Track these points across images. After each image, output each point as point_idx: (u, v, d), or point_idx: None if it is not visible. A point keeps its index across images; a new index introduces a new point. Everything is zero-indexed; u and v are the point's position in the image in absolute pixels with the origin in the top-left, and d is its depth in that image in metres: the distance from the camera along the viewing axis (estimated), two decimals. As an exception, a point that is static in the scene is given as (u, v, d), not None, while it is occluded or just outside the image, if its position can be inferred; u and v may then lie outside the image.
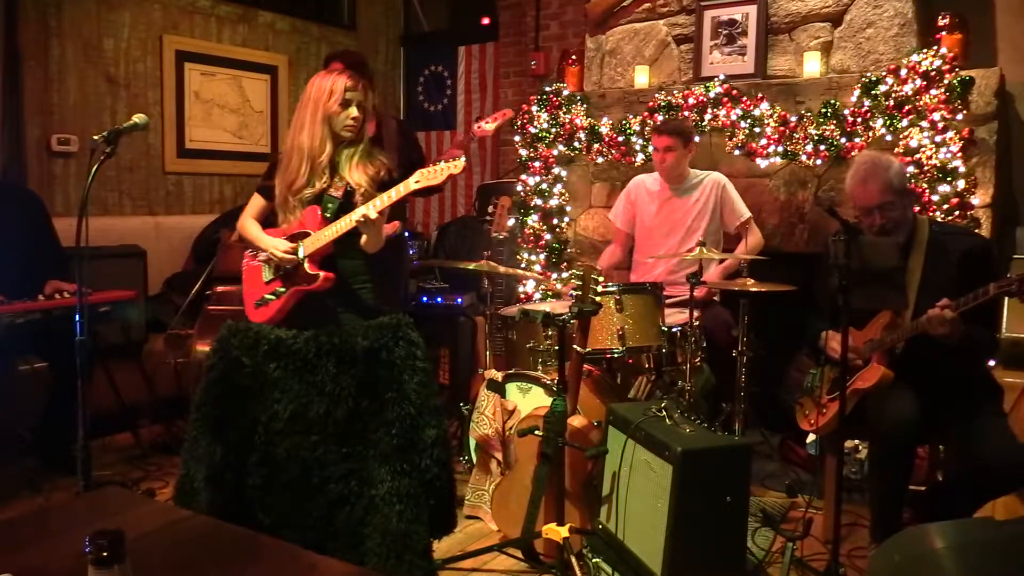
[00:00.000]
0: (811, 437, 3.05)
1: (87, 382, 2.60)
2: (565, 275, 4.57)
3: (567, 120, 4.74)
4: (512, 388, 3.21)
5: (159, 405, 4.08)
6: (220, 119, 5.43)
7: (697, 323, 3.27)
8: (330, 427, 2.40)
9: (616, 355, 3.15)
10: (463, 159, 2.44)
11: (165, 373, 4.05)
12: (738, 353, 3.37)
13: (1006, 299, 2.51)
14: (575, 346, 2.81)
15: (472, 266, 3.58)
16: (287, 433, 2.42)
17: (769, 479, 3.59)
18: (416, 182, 2.43)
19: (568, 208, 4.85)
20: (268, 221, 2.69)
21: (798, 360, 3.76)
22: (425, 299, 4.74)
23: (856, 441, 3.45)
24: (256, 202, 2.71)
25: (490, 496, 3.15)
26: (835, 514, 2.49)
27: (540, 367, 3.19)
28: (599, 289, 2.72)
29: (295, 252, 2.52)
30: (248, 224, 2.69)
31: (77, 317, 2.55)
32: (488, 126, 3.63)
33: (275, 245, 2.55)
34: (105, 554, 1.11)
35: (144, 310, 4.24)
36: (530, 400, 3.13)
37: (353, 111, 2.53)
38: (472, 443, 3.40)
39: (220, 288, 4.17)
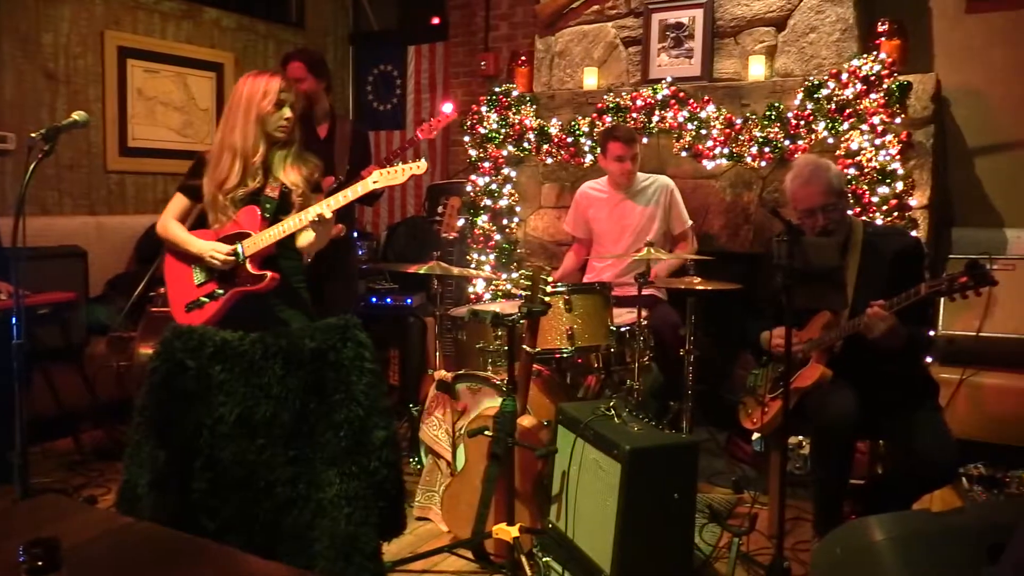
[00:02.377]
0: (756, 434, 3.10)
1: (25, 387, 2.53)
2: (515, 275, 4.58)
3: (516, 121, 4.75)
4: (461, 388, 3.20)
5: (101, 410, 3.98)
6: (164, 117, 5.32)
7: (645, 323, 3.30)
8: (277, 430, 2.37)
9: (565, 355, 3.17)
10: (424, 161, 2.45)
11: (107, 377, 3.95)
12: (685, 352, 3.41)
13: (942, 298, 2.58)
14: (524, 346, 2.81)
15: (423, 269, 3.56)
16: (233, 437, 2.38)
17: (716, 476, 3.64)
18: (375, 182, 2.43)
19: (518, 209, 4.86)
20: (197, 222, 2.65)
21: (743, 359, 3.82)
22: (375, 300, 4.71)
23: (800, 437, 3.52)
24: (179, 202, 2.66)
25: (440, 497, 3.14)
26: (779, 509, 2.53)
27: (490, 367, 3.19)
28: (548, 289, 2.73)
29: (235, 255, 2.49)
30: (172, 226, 2.64)
31: (14, 320, 2.48)
32: (431, 130, 3.64)
33: (214, 248, 2.51)
34: (40, 563, 1.08)
35: (85, 312, 4.13)
36: (480, 400, 3.12)
37: (286, 112, 2.52)
38: (422, 444, 3.38)
39: (164, 289, 4.08)
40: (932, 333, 3.52)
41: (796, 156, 3.88)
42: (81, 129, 2.87)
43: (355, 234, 4.84)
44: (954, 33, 4.30)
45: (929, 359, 3.47)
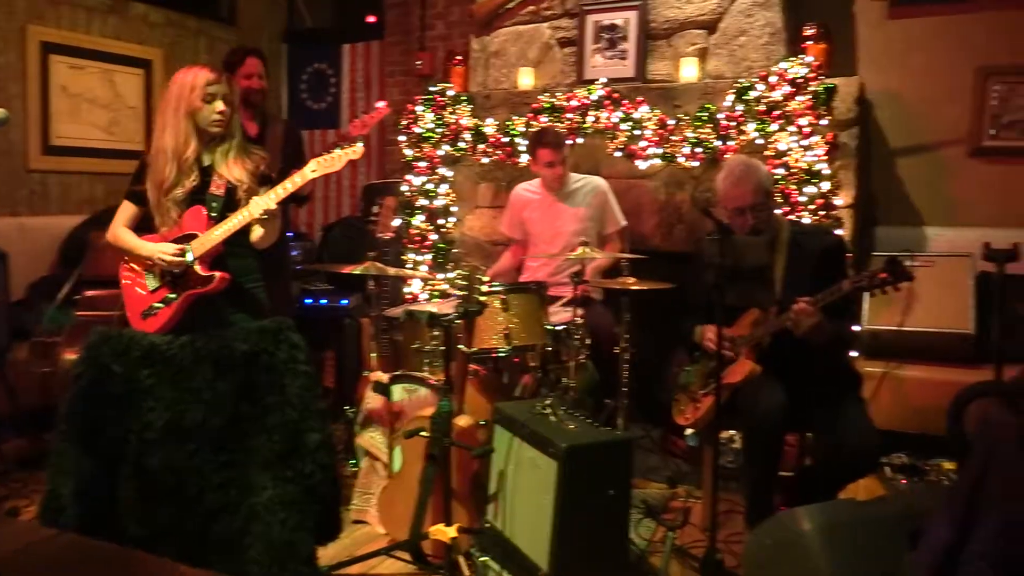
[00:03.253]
0: (690, 429, 3.16)
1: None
2: (451, 275, 4.58)
3: (452, 120, 4.75)
4: (398, 390, 3.19)
5: (23, 418, 3.83)
6: (90, 115, 5.16)
7: (581, 321, 3.34)
8: (208, 435, 2.34)
9: (502, 354, 3.18)
10: (361, 144, 2.43)
11: (30, 383, 3.81)
12: (620, 350, 3.45)
13: (865, 294, 2.67)
14: (461, 346, 2.82)
15: (359, 270, 3.53)
16: (162, 443, 2.34)
17: (651, 471, 3.70)
18: (313, 171, 2.41)
19: (454, 208, 4.86)
20: (145, 228, 2.59)
21: (677, 357, 3.89)
22: (310, 301, 4.66)
23: (732, 432, 3.60)
24: (126, 210, 2.60)
25: (377, 499, 3.13)
26: (712, 503, 2.59)
27: (426, 368, 3.18)
28: (484, 289, 2.74)
29: (183, 255, 2.43)
30: (121, 233, 2.58)
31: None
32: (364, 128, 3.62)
33: (161, 250, 2.45)
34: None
35: (6, 317, 3.99)
36: (416, 401, 3.12)
37: (218, 105, 2.47)
38: (358, 447, 3.36)
39: (90, 292, 3.98)
40: (857, 328, 3.64)
41: (727, 156, 3.97)
42: (1, 128, 2.78)
43: (290, 235, 4.79)
44: (877, 38, 4.44)
45: (855, 353, 3.58)
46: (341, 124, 6.32)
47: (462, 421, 2.80)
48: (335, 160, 2.41)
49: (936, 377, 3.54)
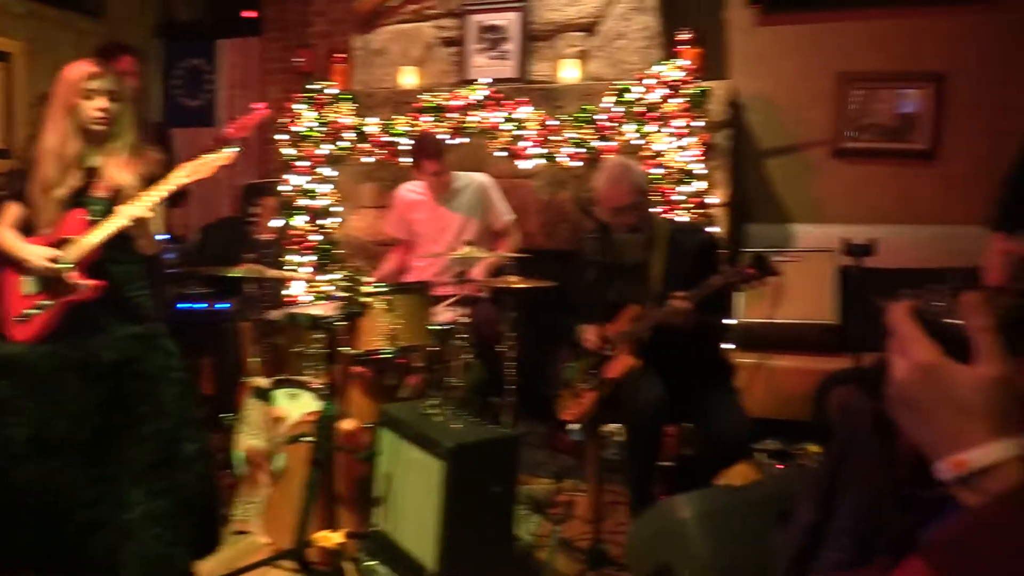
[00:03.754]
0: (574, 424, 3.21)
1: None
2: (334, 276, 4.51)
3: (334, 119, 4.68)
4: (280, 395, 3.12)
5: None
6: (-61, 110, 4.82)
7: (466, 320, 3.34)
8: (76, 449, 2.23)
9: (387, 355, 3.16)
10: (232, 149, 2.36)
11: None
12: (506, 348, 3.48)
13: (736, 288, 2.79)
14: (344, 348, 2.78)
15: (237, 272, 3.43)
16: (25, 458, 2.22)
17: (538, 467, 3.74)
18: (186, 175, 2.32)
19: (337, 208, 4.78)
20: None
21: (562, 353, 3.95)
22: (186, 306, 4.48)
23: (615, 425, 3.69)
24: (10, 211, 2.44)
25: (259, 508, 3.05)
26: (596, 495, 2.65)
27: (309, 372, 3.12)
28: (368, 290, 2.71)
29: (57, 260, 2.30)
30: (1, 233, 2.42)
31: None
32: (242, 130, 3.52)
33: (36, 253, 2.31)
34: None
35: None
36: (299, 406, 3.06)
37: (100, 102, 2.35)
38: (239, 455, 3.26)
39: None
40: (734, 321, 3.79)
41: (606, 156, 4.05)
42: None
43: (165, 237, 4.59)
44: (748, 44, 4.64)
45: (731, 345, 3.73)
46: (218, 122, 6.12)
47: (347, 424, 2.77)
48: (206, 165, 2.33)
49: (804, 366, 3.73)
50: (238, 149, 2.42)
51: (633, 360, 2.88)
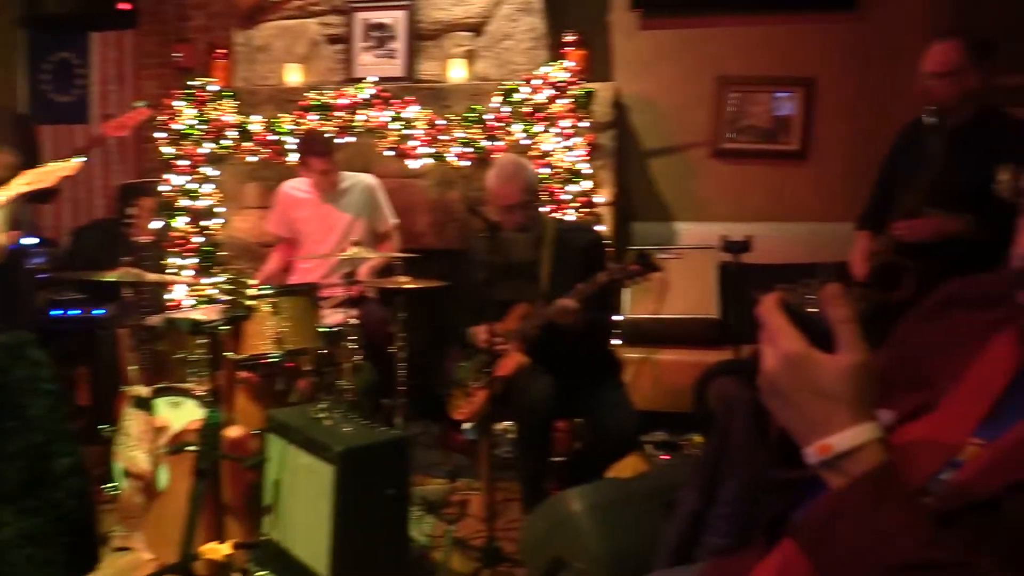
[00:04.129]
0: (467, 423, 3.22)
1: None
2: (217, 279, 4.38)
3: (215, 117, 4.53)
4: (161, 404, 2.99)
5: None
6: None
7: (355, 322, 3.30)
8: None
9: (274, 360, 3.08)
10: (79, 159, 2.24)
11: None
12: (396, 349, 3.46)
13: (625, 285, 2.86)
14: (228, 353, 2.70)
15: (113, 277, 3.27)
16: None
17: (432, 468, 3.73)
18: (27, 184, 2.19)
19: (220, 209, 4.64)
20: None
21: (453, 353, 3.95)
22: (58, 312, 4.25)
23: (507, 423, 3.72)
24: None
25: (142, 523, 2.92)
26: (489, 493, 2.66)
27: (192, 379, 3.01)
28: (252, 292, 2.65)
29: None
30: None
31: None
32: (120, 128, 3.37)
33: None
34: None
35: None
36: (182, 414, 2.94)
37: None
38: (119, 468, 3.12)
39: None
40: (620, 317, 3.89)
41: (495, 156, 4.08)
42: None
43: (38, 240, 4.36)
44: (630, 47, 4.75)
45: (619, 341, 3.82)
46: (91, 119, 5.83)
47: (233, 432, 2.69)
48: (49, 174, 2.22)
49: (687, 359, 3.85)
50: (85, 160, 2.31)
51: (523, 358, 2.92)
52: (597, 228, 3.82)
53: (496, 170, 3.07)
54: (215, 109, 4.54)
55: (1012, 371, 0.93)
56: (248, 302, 2.65)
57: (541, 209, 3.27)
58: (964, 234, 2.63)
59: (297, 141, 4.21)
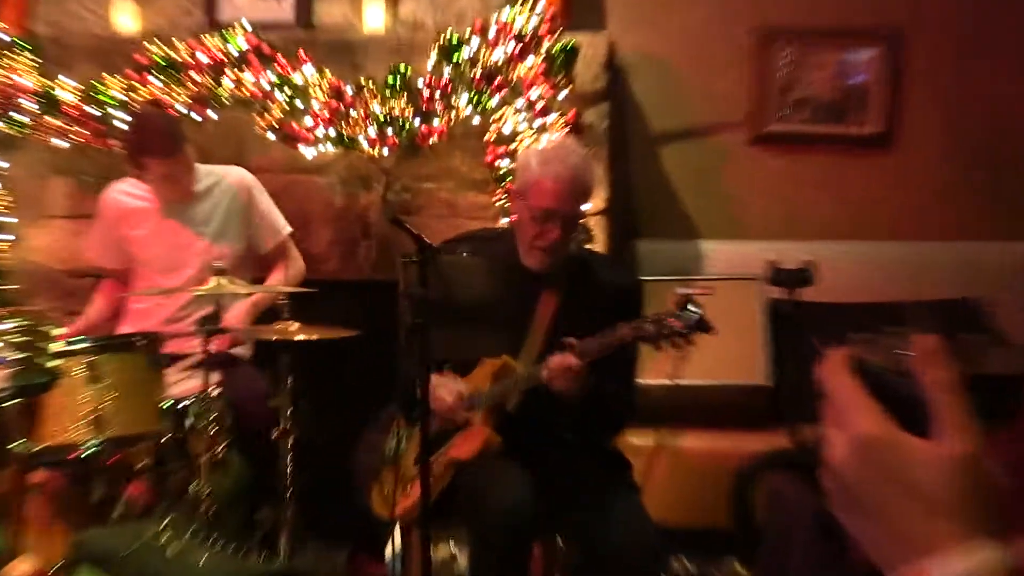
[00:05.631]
0: (391, 548, 3.14)
1: None
2: (4, 327, 4.27)
3: (3, 79, 4.44)
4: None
5: None
6: None
7: (217, 392, 3.23)
8: None
9: (90, 452, 2.99)
10: None
11: None
12: (280, 433, 3.38)
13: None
14: (19, 443, 2.62)
15: None
16: None
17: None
18: None
19: (8, 219, 4.53)
20: None
21: (371, 432, 3.88)
22: None
23: (453, 548, 3.63)
24: None
25: None
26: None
27: (-40, 482, 2.91)
28: (58, 348, 2.57)
29: None
30: None
31: None
32: None
33: None
34: None
35: None
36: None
37: None
38: None
39: None
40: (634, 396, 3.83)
41: (432, 141, 4.04)
42: None
43: None
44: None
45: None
46: None
47: (21, 567, 2.59)
48: None
49: (721, 447, 3.81)
50: None
51: (491, 434, 2.85)
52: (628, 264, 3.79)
53: (550, 152, 3.04)
54: (3, 67, 4.45)
55: None
56: (51, 362, 2.56)
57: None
58: None
59: (128, 120, 4.14)
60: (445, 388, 2.92)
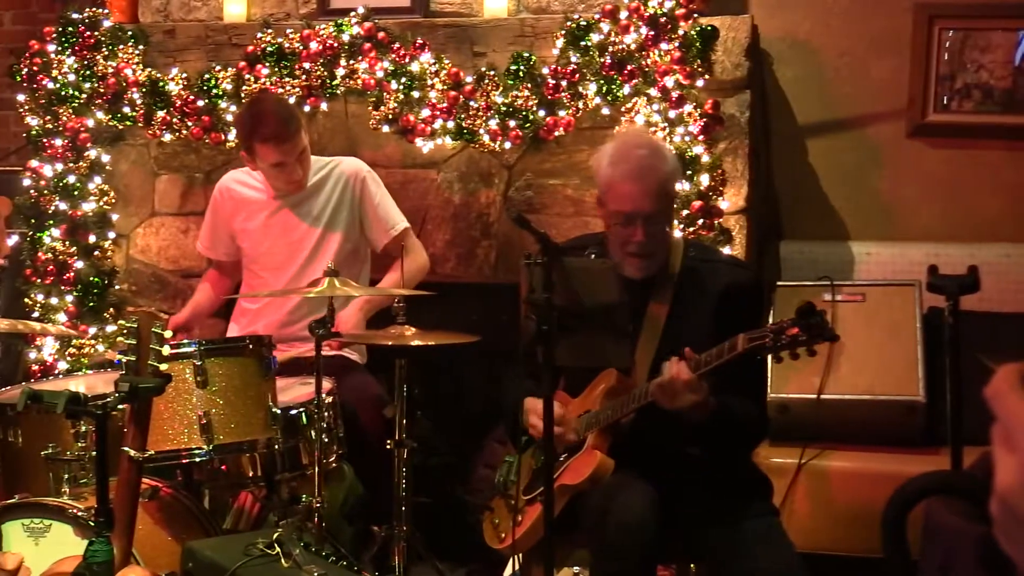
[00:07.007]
0: (511, 567, 3.18)
1: None
2: (111, 328, 4.42)
3: (111, 70, 4.60)
4: (14, 530, 3.01)
5: None
6: None
7: (331, 399, 3.29)
8: None
9: (199, 459, 3.09)
10: None
11: None
12: (395, 444, 3.43)
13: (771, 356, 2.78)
14: (127, 448, 2.71)
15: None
16: None
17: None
18: None
19: (115, 216, 4.70)
20: None
21: (489, 447, 3.92)
22: None
23: (576, 569, 3.65)
24: None
25: None
26: None
27: (66, 488, 3.03)
28: (167, 351, 2.65)
29: None
30: None
31: None
32: None
33: None
34: None
35: None
36: (48, 547, 2.95)
37: None
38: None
39: None
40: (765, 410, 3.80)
41: (557, 133, 4.07)
42: None
43: None
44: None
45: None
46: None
47: (131, 575, 2.68)
48: None
49: (872, 469, 3.75)
50: None
51: (603, 458, 2.86)
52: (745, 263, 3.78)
53: (622, 154, 3.03)
54: (109, 57, 4.61)
55: None
56: (158, 366, 2.64)
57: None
58: None
59: (238, 112, 4.24)
60: (536, 413, 2.91)
